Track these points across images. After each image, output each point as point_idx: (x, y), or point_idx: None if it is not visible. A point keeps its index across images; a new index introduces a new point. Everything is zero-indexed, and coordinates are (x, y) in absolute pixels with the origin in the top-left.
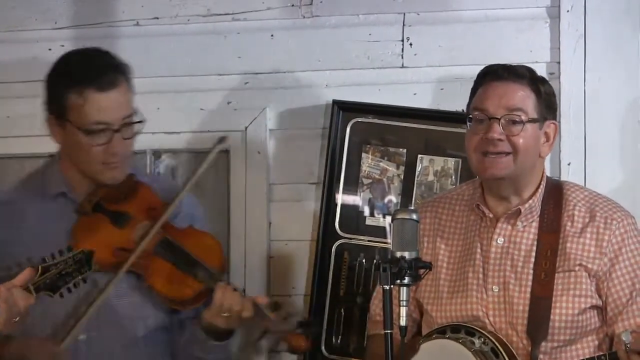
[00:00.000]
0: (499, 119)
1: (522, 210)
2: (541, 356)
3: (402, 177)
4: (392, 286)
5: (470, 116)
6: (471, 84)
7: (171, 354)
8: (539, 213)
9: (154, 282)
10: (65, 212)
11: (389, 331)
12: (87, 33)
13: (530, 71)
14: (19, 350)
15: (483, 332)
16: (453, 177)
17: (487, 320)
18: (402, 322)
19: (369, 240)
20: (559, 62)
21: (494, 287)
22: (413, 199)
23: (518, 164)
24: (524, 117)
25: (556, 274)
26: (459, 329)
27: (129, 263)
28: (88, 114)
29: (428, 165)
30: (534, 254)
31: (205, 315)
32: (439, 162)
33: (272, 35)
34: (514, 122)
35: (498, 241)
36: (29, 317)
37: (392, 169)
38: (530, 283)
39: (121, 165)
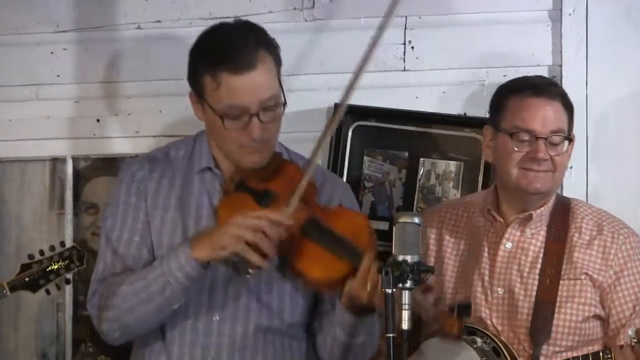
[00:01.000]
0: (545, 139)
1: (534, 215)
2: (542, 359)
3: (404, 180)
4: (394, 290)
5: (513, 132)
6: (473, 87)
7: (314, 345)
8: (547, 222)
9: (300, 265)
10: (209, 185)
11: (391, 335)
12: (89, 36)
13: (559, 85)
14: None
15: (485, 332)
16: (455, 180)
17: (489, 322)
18: (405, 326)
19: None
20: (560, 65)
21: (499, 289)
22: (415, 202)
23: (555, 180)
24: (564, 137)
25: (561, 281)
26: None
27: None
28: (222, 97)
29: (430, 169)
30: (540, 260)
31: (348, 289)
32: (441, 165)
33: (273, 39)
34: (557, 142)
35: (506, 245)
36: None
37: (394, 172)
38: (535, 288)
39: (261, 149)
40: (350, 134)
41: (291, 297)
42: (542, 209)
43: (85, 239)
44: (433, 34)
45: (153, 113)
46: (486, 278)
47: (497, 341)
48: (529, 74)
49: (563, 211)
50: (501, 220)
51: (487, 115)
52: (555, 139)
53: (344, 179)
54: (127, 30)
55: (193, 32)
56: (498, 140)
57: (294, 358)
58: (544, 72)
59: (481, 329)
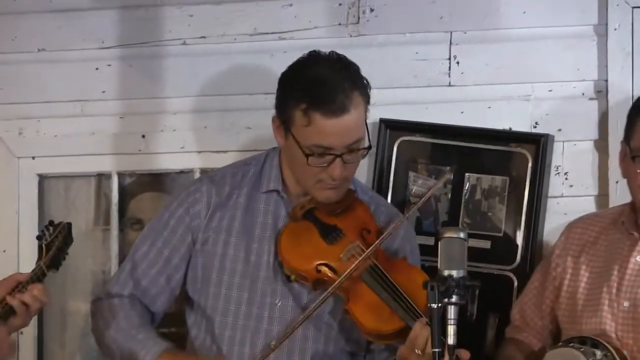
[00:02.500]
0: None
1: None
2: None
3: (449, 195)
4: (439, 305)
5: (636, 155)
6: (518, 102)
7: None
8: None
9: (354, 308)
10: (275, 207)
11: (437, 350)
12: (133, 52)
13: None
14: None
15: (607, 345)
16: (501, 195)
17: (613, 335)
18: (450, 341)
19: None
20: (606, 80)
21: (625, 302)
22: (460, 217)
23: None
24: None
25: None
26: (585, 341)
27: (335, 286)
28: (310, 136)
29: (475, 184)
30: None
31: (401, 349)
32: (487, 180)
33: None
34: None
35: (637, 259)
36: None
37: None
38: None
39: (339, 187)
40: (395, 149)
41: (348, 323)
42: None
43: None
44: (478, 49)
45: (198, 129)
46: (614, 291)
47: (617, 355)
48: (574, 89)
49: None
50: (635, 233)
51: (533, 130)
52: None
53: (389, 194)
54: (172, 46)
55: (238, 48)
56: (626, 159)
57: None
58: (589, 87)
59: (603, 342)
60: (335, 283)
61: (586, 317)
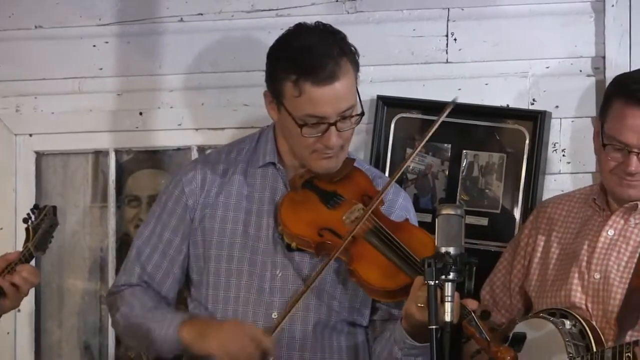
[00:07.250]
0: (638, 153)
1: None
2: None
3: (446, 172)
4: (436, 282)
5: (606, 144)
6: (516, 79)
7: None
8: None
9: (358, 267)
10: (272, 181)
11: (433, 327)
12: (131, 29)
13: None
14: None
15: (576, 316)
16: (498, 172)
17: (584, 307)
18: (447, 318)
19: None
20: (604, 57)
21: (595, 274)
22: (458, 194)
23: None
24: None
25: None
26: (554, 313)
27: (341, 249)
28: (302, 106)
29: (473, 161)
30: None
31: (405, 306)
32: (484, 157)
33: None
34: None
35: (609, 232)
36: None
37: (436, 164)
38: (630, 275)
39: (335, 155)
40: (392, 126)
41: (350, 293)
42: None
43: (128, 231)
44: (476, 26)
45: (195, 106)
46: (584, 263)
47: (585, 325)
48: (572, 66)
49: None
50: (606, 209)
51: (530, 107)
52: None
53: (387, 171)
54: (170, 23)
55: (235, 25)
56: (599, 138)
57: (350, 356)
58: (586, 64)
59: (572, 313)
60: (344, 240)
61: (555, 290)
